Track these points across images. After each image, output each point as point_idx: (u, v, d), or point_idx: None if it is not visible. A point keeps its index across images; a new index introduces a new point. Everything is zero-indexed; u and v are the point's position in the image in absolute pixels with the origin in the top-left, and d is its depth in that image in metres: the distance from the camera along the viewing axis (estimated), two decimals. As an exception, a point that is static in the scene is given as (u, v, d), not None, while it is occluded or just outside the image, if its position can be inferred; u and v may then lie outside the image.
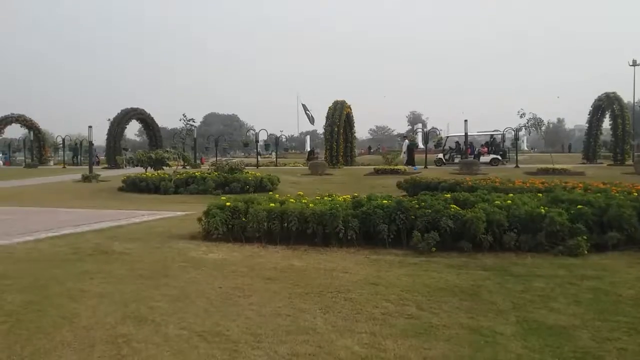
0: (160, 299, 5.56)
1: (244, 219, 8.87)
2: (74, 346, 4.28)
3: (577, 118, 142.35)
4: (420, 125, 77.53)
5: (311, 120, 59.32)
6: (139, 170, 24.54)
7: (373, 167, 27.57)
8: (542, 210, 8.19)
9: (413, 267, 7.06)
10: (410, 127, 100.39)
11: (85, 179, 24.34)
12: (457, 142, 34.73)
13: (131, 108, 41.90)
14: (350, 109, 35.24)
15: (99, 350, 4.18)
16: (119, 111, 41.12)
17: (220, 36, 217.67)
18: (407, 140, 35.28)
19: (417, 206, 8.52)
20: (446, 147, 35.10)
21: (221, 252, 8.02)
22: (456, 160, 31.66)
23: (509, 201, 8.76)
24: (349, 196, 9.93)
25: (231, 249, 8.30)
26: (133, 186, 20.22)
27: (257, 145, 39.12)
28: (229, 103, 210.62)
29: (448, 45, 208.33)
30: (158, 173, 21.95)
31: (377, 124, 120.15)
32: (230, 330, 4.64)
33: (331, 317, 5.01)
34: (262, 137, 40.51)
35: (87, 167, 28.18)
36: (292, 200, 9.41)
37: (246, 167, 23.86)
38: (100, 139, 48.69)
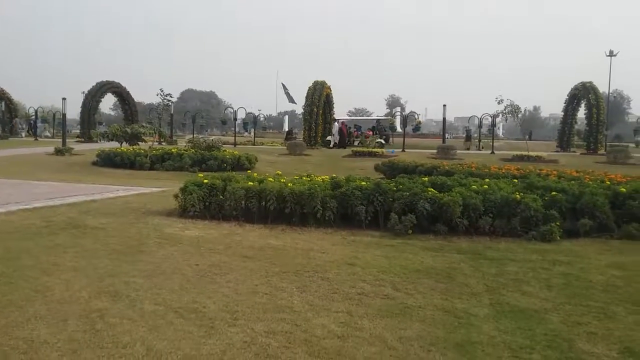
0: (136, 275, 5.50)
1: (221, 197, 8.80)
2: (47, 319, 4.22)
3: (552, 107, 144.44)
4: (398, 108, 77.57)
5: (290, 98, 58.73)
6: (113, 145, 24.08)
7: (351, 148, 27.58)
8: (518, 196, 8.31)
9: (389, 248, 7.11)
10: (388, 109, 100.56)
11: (58, 152, 23.80)
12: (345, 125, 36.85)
13: (106, 81, 40.85)
14: (330, 90, 35.03)
15: (73, 325, 4.13)
16: (94, 84, 40.17)
17: (202, 10, 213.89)
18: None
19: (395, 189, 8.56)
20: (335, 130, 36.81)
21: (198, 230, 7.95)
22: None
23: (486, 186, 8.86)
24: (327, 177, 9.92)
25: (208, 226, 8.24)
26: (107, 161, 19.87)
27: (235, 123, 38.74)
28: (207, 79, 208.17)
29: (429, 29, 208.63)
30: (133, 148, 21.57)
31: (356, 106, 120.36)
32: (207, 307, 4.62)
33: (308, 296, 5.03)
34: (241, 115, 40.15)
35: (60, 139, 27.59)
36: (271, 179, 9.36)
37: (224, 145, 23.63)
38: (74, 112, 47.62)
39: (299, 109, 49.94)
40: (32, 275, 5.39)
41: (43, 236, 7.20)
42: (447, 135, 36.33)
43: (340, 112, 47.40)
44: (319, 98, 32.63)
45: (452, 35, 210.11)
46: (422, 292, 5.23)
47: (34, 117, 44.91)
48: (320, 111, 33.00)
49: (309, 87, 33.29)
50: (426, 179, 9.73)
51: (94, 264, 5.89)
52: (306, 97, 32.98)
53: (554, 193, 8.54)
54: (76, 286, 5.08)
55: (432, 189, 8.55)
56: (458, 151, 26.20)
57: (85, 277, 5.37)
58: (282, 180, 9.32)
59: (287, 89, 59.03)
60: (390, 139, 36.65)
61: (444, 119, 31.60)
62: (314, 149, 29.26)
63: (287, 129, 49.51)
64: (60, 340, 3.85)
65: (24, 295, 4.77)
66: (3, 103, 45.61)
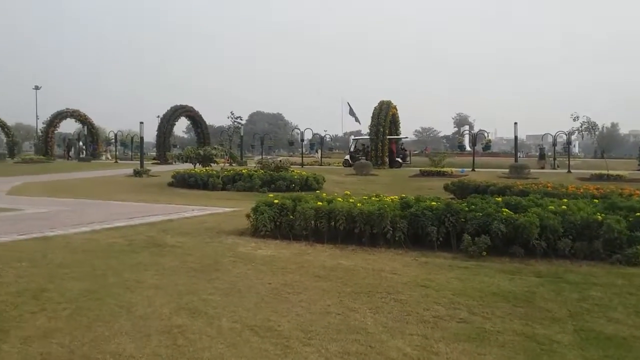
0: (213, 292, 5.67)
1: (291, 217, 8.93)
2: (131, 335, 4.42)
3: (633, 123, 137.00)
4: (467, 127, 76.22)
5: (355, 118, 59.23)
6: (187, 167, 25.07)
7: (419, 168, 27.29)
8: (599, 216, 7.90)
9: (463, 270, 6.94)
10: (456, 129, 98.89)
11: (137, 173, 25.07)
12: (363, 145, 36.23)
13: (180, 105, 42.84)
14: (396, 110, 34.98)
15: (156, 340, 4.30)
16: (169, 108, 42.15)
17: (271, 39, 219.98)
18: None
19: (467, 209, 8.37)
20: (353, 149, 36.33)
21: (269, 249, 8.10)
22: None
23: (564, 206, 8.48)
24: (396, 197, 9.84)
25: (279, 246, 8.37)
26: (182, 182, 20.69)
27: (302, 144, 39.34)
28: (274, 102, 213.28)
29: (506, 46, 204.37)
30: (206, 169, 22.35)
31: (423, 125, 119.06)
32: (281, 325, 4.69)
33: (381, 317, 4.99)
34: (307, 136, 40.76)
35: (138, 161, 29.00)
36: (340, 199, 9.40)
37: (291, 166, 24.04)
38: (149, 135, 50.06)
39: (364, 128, 50.12)
40: (116, 291, 5.66)
41: (125, 254, 7.56)
42: (519, 154, 35.21)
43: (407, 131, 47.09)
44: (385, 118, 32.64)
45: (526, 53, 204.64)
46: (500, 317, 5.06)
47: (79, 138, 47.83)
48: (387, 131, 32.95)
49: (375, 107, 33.40)
50: (499, 199, 9.44)
51: (174, 281, 6.12)
52: (372, 117, 33.08)
53: (639, 214, 8.07)
54: (157, 302, 5.29)
55: (506, 210, 8.29)
56: (532, 170, 25.33)
57: (165, 294, 5.58)
58: (351, 200, 9.34)
59: (352, 109, 59.50)
60: (408, 157, 36.17)
61: (516, 137, 30.69)
62: (380, 169, 29.17)
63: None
64: (145, 354, 4.02)
65: (110, 311, 5.02)
66: (85, 127, 48.63)
